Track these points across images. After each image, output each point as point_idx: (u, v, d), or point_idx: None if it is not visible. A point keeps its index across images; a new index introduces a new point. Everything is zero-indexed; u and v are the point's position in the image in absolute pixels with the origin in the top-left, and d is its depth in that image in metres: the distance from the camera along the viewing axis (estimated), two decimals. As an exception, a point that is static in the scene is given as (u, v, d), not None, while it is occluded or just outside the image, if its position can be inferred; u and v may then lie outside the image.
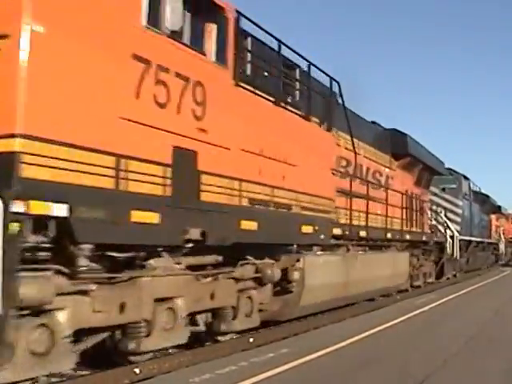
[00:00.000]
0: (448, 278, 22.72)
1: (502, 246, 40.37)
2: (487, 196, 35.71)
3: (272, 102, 8.99)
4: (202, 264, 7.76)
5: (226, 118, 7.53)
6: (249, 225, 8.06)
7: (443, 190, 25.28)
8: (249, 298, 8.82)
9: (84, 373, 6.50)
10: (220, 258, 7.96)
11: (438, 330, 10.42)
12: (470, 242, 27.50)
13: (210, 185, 7.26)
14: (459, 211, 25.96)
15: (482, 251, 31.74)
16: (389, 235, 15.19)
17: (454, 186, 25.97)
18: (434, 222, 22.03)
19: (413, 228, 18.22)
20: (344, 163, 12.62)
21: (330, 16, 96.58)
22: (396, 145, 16.63)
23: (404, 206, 17.14)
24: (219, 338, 8.46)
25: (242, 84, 8.12)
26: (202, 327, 8.11)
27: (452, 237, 22.83)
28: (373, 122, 16.19)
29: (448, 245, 22.29)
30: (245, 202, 8.07)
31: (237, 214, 7.83)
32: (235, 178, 7.82)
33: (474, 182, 30.90)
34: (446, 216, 23.59)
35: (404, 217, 16.94)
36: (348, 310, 12.48)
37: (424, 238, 19.45)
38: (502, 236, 40.88)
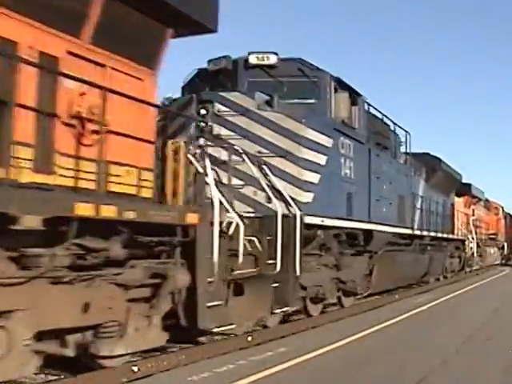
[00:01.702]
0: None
1: (472, 245, 26.74)
2: (438, 159, 20.59)
3: None
4: None
5: None
6: None
7: (269, 104, 10.00)
8: None
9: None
10: None
11: (437, 330, 10.41)
12: (371, 233, 12.66)
13: None
14: (315, 158, 10.36)
15: (417, 253, 17.42)
16: None
17: (309, 101, 10.81)
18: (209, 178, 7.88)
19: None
20: None
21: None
22: None
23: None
24: None
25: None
26: None
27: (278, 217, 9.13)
28: None
29: (211, 240, 7.34)
30: None
31: None
32: None
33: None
34: (266, 165, 9.61)
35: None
36: (346, 310, 12.47)
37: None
38: (474, 230, 27.29)
